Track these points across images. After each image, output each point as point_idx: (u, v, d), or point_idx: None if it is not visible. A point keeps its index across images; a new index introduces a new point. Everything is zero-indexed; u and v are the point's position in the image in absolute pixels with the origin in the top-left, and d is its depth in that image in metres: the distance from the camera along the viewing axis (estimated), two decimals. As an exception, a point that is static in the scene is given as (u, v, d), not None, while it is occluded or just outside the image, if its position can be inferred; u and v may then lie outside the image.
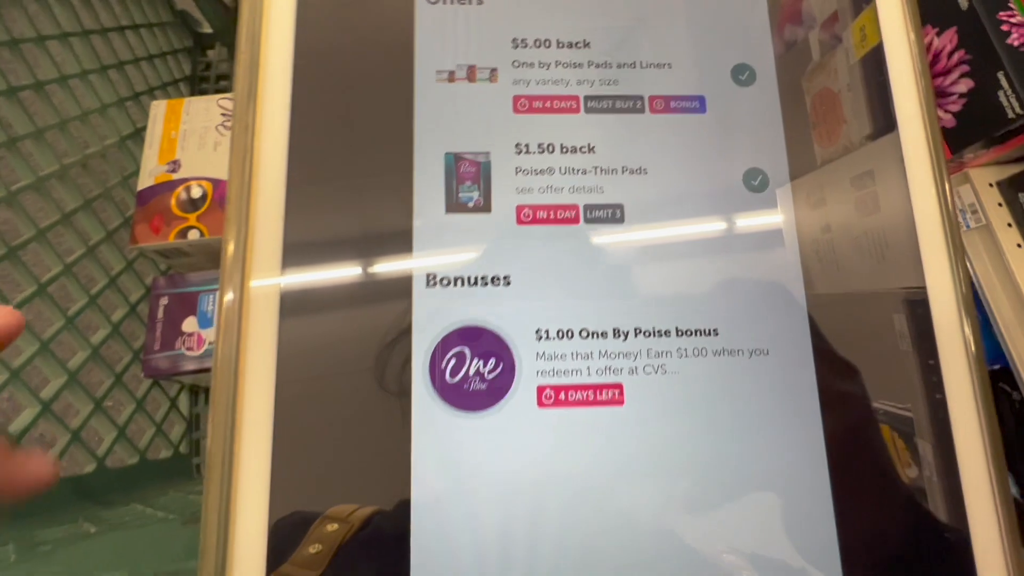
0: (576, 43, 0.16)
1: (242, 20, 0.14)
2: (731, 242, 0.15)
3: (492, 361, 0.14)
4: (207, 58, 0.70)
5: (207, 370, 0.49)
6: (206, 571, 0.12)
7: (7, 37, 0.42)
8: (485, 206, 0.15)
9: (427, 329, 0.14)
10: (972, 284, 0.44)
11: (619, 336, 0.14)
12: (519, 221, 0.15)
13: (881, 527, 0.14)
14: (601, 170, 0.15)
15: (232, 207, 0.14)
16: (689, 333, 0.14)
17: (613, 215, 0.15)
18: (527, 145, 0.15)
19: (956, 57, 0.43)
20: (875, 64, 0.17)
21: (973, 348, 0.15)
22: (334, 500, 0.13)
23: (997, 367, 0.44)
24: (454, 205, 0.15)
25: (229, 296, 0.14)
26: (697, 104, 0.16)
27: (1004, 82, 0.40)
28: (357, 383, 0.13)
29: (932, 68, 0.46)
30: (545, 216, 0.15)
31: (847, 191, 0.16)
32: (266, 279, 0.14)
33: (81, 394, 0.43)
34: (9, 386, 0.37)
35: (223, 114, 0.55)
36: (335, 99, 0.15)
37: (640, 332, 0.14)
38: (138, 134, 0.56)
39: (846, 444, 0.14)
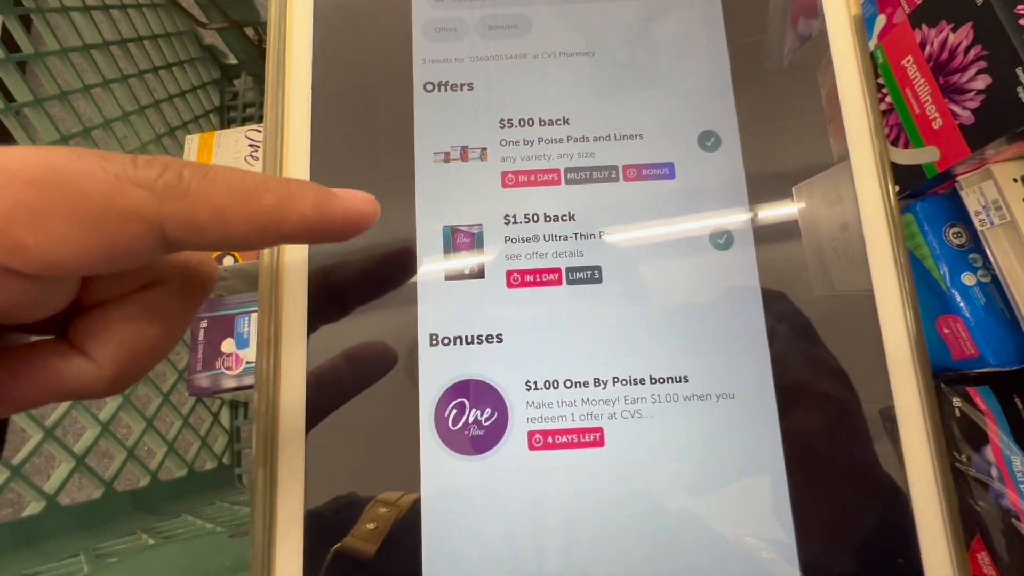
0: (556, 120, 0.18)
1: (268, 114, 0.17)
2: (699, 297, 0.17)
3: (488, 410, 0.16)
4: (234, 87, 0.74)
5: (246, 387, 0.53)
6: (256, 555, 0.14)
7: (57, 90, 0.46)
8: (479, 272, 0.17)
9: (431, 383, 0.16)
10: (990, 281, 0.44)
11: (599, 385, 0.16)
12: (509, 285, 0.17)
13: (843, 555, 0.15)
14: (580, 235, 0.17)
15: (263, 288, 0.16)
16: (662, 380, 0.16)
17: (592, 276, 0.17)
18: (514, 216, 0.17)
19: (973, 53, 0.43)
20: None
21: (917, 347, 0.16)
22: (352, 521, 0.15)
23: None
24: (452, 273, 0.17)
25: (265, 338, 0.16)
26: (667, 171, 0.18)
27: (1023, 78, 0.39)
28: (373, 428, 0.16)
29: (948, 65, 0.46)
30: (532, 280, 0.17)
31: (792, 145, 0.17)
32: (295, 326, 0.16)
33: (134, 413, 0.47)
34: (72, 410, 0.41)
35: (250, 145, 0.59)
36: (347, 180, 0.17)
37: (618, 381, 0.16)
38: (174, 167, 0.60)
39: (809, 482, 0.16)
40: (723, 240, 0.17)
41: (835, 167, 0.18)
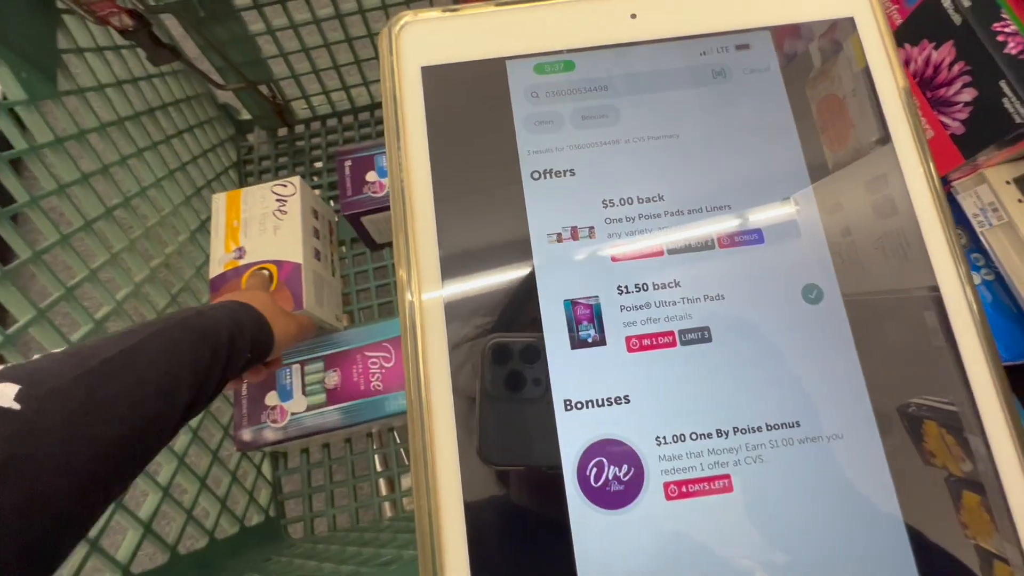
0: (652, 198, 0.20)
1: (395, 213, 0.19)
2: (799, 347, 0.19)
3: (625, 466, 0.18)
4: (248, 142, 0.76)
5: (291, 439, 0.54)
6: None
7: (100, 165, 0.47)
8: (601, 340, 0.19)
9: (571, 444, 0.18)
10: (994, 279, 0.47)
11: (722, 435, 0.18)
12: (629, 350, 0.19)
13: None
14: (687, 300, 0.19)
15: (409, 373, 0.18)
16: (777, 427, 0.18)
17: (702, 336, 0.19)
18: (626, 287, 0.19)
19: (956, 68, 0.46)
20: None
21: (986, 339, 0.18)
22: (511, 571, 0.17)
23: (1037, 357, 0.46)
24: (577, 342, 0.19)
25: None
26: (756, 236, 0.20)
27: (1007, 90, 0.42)
28: (523, 491, 0.17)
29: (934, 79, 0.49)
30: (649, 343, 0.19)
31: (862, 195, 0.20)
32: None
33: (188, 474, 0.48)
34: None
35: (278, 200, 0.60)
36: (474, 264, 0.19)
37: (738, 430, 0.18)
38: (203, 226, 0.62)
39: (921, 509, 0.17)
40: (814, 295, 0.19)
41: (898, 183, 0.20)
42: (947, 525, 0.17)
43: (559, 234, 0.19)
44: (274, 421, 0.55)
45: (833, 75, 0.21)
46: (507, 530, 0.17)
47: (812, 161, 0.20)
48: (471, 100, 0.20)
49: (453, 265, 0.19)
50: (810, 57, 0.21)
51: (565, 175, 0.20)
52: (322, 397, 0.55)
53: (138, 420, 0.24)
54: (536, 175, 0.20)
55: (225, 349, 0.30)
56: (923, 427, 0.18)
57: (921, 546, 0.17)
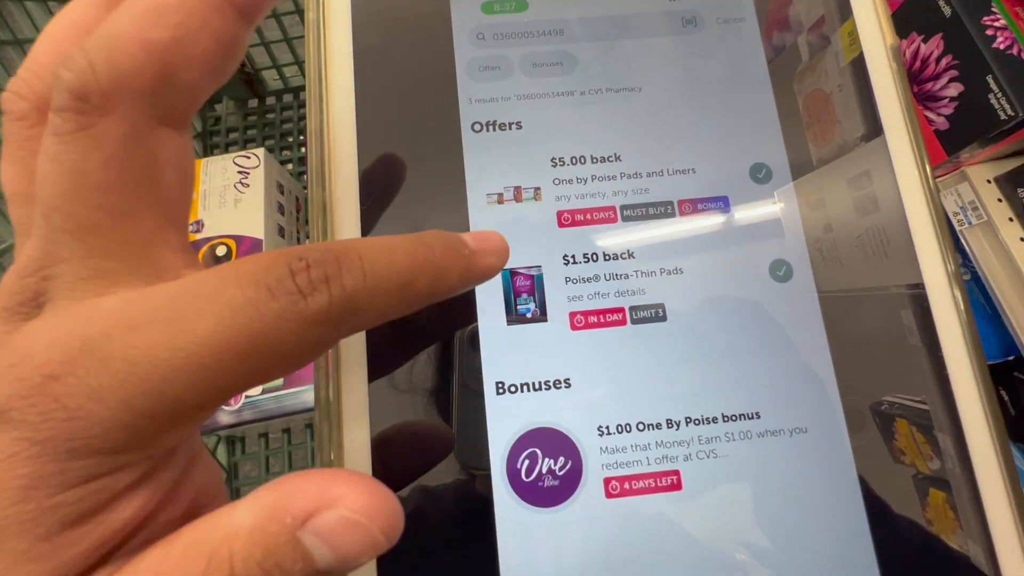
0: (608, 157, 0.18)
1: (312, 163, 0.16)
2: (763, 330, 0.17)
3: (561, 459, 0.15)
4: (215, 112, 0.72)
5: (245, 422, 0.51)
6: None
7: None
8: (542, 316, 0.16)
9: (501, 433, 0.16)
10: (970, 279, 0.46)
11: (672, 426, 0.16)
12: (573, 327, 0.16)
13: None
14: (641, 273, 0.17)
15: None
16: (734, 418, 0.16)
17: (656, 314, 0.17)
18: (573, 256, 0.17)
19: (944, 63, 0.45)
20: (864, 68, 0.19)
21: (972, 341, 0.17)
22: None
23: (1011, 358, 0.45)
24: (514, 317, 0.16)
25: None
26: (722, 204, 0.18)
27: (994, 85, 0.41)
28: (444, 484, 0.15)
29: (921, 74, 0.47)
30: (596, 321, 0.16)
31: (845, 192, 0.18)
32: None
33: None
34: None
35: (239, 171, 0.57)
36: (399, 228, 0.16)
37: (691, 421, 0.16)
38: (160, 197, 0.58)
39: (885, 510, 0.16)
40: (782, 272, 0.17)
41: (887, 176, 0.18)
42: (914, 523, 0.15)
43: (500, 195, 0.17)
44: (227, 404, 0.52)
45: (820, 70, 0.19)
46: (422, 530, 0.15)
47: (788, 123, 0.18)
48: (407, 38, 0.18)
49: (375, 224, 0.16)
50: (798, 51, 0.19)
51: (510, 128, 0.18)
52: (279, 379, 0.52)
53: None
54: (477, 127, 0.18)
55: None
56: (894, 424, 0.16)
57: (887, 547, 0.15)
